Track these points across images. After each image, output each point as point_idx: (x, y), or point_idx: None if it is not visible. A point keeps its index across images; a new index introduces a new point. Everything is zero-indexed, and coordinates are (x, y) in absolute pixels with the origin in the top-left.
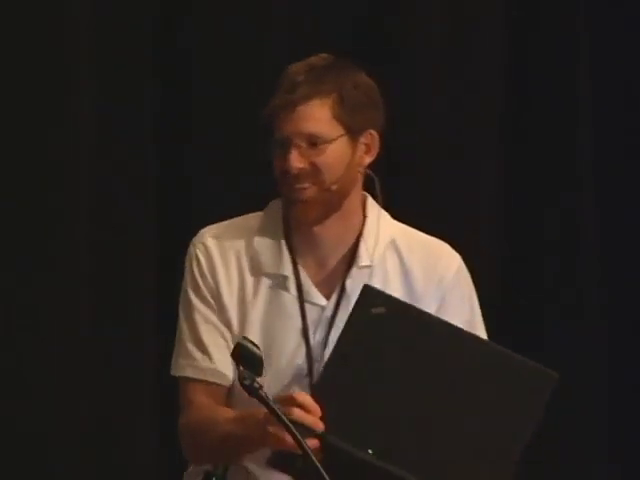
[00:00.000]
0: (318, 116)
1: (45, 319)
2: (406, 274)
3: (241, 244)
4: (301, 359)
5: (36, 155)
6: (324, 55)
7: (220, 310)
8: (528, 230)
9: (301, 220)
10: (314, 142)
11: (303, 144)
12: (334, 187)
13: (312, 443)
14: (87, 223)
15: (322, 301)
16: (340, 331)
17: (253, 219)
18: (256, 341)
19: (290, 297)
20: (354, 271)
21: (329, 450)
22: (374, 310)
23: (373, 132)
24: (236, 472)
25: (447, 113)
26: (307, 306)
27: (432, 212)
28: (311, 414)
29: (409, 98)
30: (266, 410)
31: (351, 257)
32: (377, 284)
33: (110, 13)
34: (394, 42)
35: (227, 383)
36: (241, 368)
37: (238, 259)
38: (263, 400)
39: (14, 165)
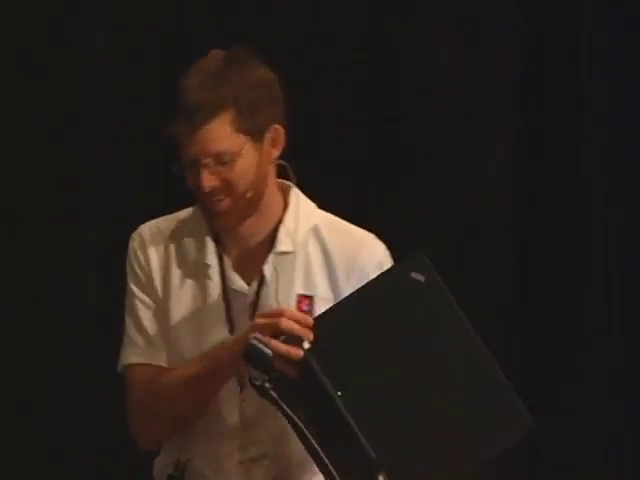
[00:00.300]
0: (220, 135)
1: (45, 319)
2: (328, 261)
3: (171, 236)
4: None
5: (39, 156)
6: (216, 54)
7: (155, 296)
8: (537, 229)
9: (220, 229)
10: (221, 160)
11: (211, 163)
12: (249, 194)
13: (296, 352)
14: (89, 223)
15: (243, 287)
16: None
17: (184, 214)
18: (184, 329)
19: (214, 285)
20: (272, 257)
21: (305, 369)
22: (413, 275)
23: (277, 126)
24: (192, 475)
25: (452, 112)
26: (230, 293)
27: (434, 213)
28: (301, 325)
29: (413, 98)
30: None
31: (271, 243)
32: (300, 270)
33: (122, 16)
34: (394, 42)
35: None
36: (251, 369)
37: (167, 249)
38: (275, 401)
39: (16, 166)
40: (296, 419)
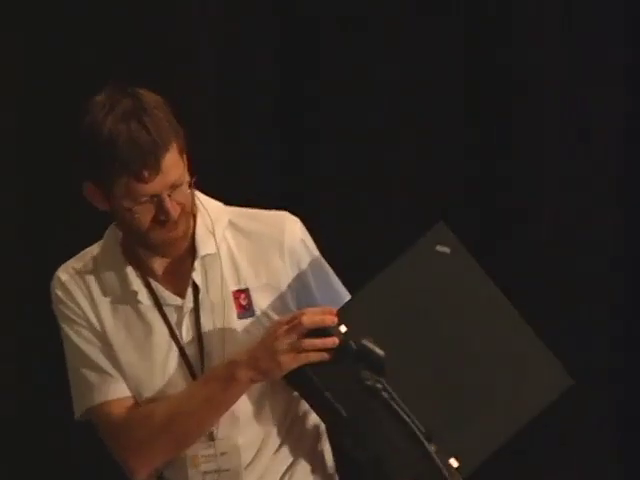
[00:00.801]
0: (175, 161)
1: (45, 319)
2: (254, 250)
3: (89, 273)
4: (175, 360)
5: (40, 156)
6: (115, 92)
7: (95, 332)
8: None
9: (174, 254)
10: (175, 186)
11: (169, 192)
12: (192, 209)
13: (332, 341)
14: (89, 224)
15: (177, 301)
16: (208, 320)
17: (95, 250)
18: (132, 358)
19: (147, 307)
20: (198, 263)
21: (345, 353)
22: (439, 248)
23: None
24: None
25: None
26: (166, 310)
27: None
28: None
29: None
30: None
31: (193, 250)
32: (227, 267)
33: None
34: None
35: (132, 394)
36: (362, 370)
37: (88, 287)
38: (386, 401)
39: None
40: (408, 420)
